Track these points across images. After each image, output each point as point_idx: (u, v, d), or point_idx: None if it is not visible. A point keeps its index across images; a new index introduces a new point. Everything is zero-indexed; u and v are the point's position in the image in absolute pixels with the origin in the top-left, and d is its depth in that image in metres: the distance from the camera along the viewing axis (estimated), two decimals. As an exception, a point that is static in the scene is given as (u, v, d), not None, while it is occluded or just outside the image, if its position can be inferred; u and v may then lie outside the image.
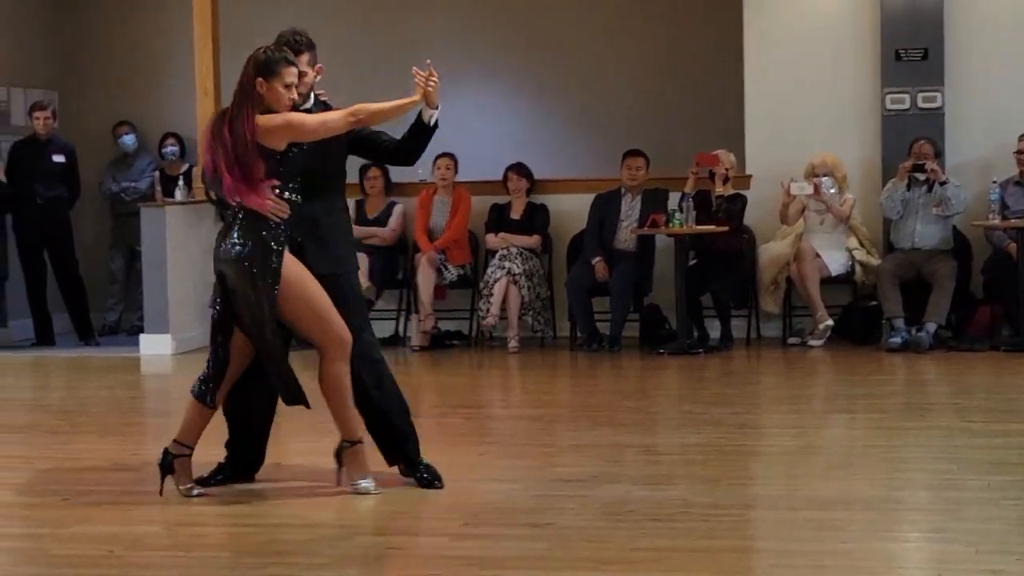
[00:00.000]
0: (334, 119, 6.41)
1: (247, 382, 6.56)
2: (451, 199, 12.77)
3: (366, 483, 6.51)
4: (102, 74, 14.93)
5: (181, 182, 13.04)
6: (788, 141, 12.36)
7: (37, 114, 13.42)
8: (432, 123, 6.60)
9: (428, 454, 7.09)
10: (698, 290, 12.05)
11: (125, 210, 13.98)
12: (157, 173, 13.56)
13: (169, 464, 6.49)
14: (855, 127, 12.44)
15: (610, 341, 11.97)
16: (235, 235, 6.38)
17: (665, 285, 12.11)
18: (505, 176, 12.82)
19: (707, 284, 12.07)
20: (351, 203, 12.78)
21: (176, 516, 6.20)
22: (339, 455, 6.58)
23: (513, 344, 12.20)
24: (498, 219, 12.77)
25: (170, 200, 12.63)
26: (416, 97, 6.48)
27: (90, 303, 13.57)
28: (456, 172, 12.84)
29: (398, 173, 12.68)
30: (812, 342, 11.96)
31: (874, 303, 11.94)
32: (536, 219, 12.72)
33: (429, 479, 6.70)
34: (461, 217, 12.71)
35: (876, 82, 12.35)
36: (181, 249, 12.36)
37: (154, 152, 14.52)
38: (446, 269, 12.62)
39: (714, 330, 12.17)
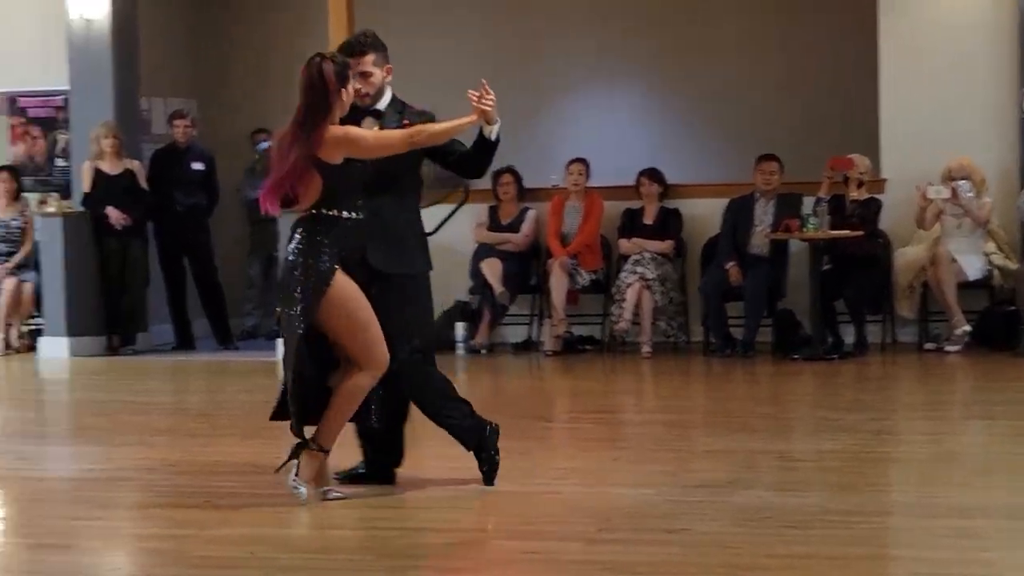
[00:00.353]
0: (393, 139, 6.51)
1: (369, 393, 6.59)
2: (583, 204, 12.78)
3: (305, 489, 6.46)
4: (240, 82, 15.14)
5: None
6: (924, 145, 12.23)
7: (177, 122, 13.66)
8: (493, 138, 6.72)
9: (560, 459, 7.11)
10: (833, 295, 11.96)
11: (263, 217, 14.12)
12: (294, 180, 13.70)
13: (297, 453, 6.53)
14: (993, 130, 12.29)
15: (743, 346, 11.93)
16: (293, 245, 6.46)
17: (799, 290, 12.04)
18: (638, 181, 12.81)
19: (842, 289, 11.97)
20: (485, 208, 12.87)
21: (315, 519, 6.28)
22: (297, 451, 6.52)
23: (646, 349, 12.20)
24: (631, 224, 12.76)
25: (306, 206, 12.75)
26: (473, 117, 6.61)
27: (229, 308, 13.78)
28: (588, 177, 12.86)
29: (531, 179, 12.73)
30: (949, 348, 11.82)
31: (1013, 308, 11.78)
32: (669, 224, 12.70)
33: (486, 471, 6.76)
34: (593, 222, 12.73)
35: (1014, 84, 12.20)
36: (317, 255, 12.45)
37: (291, 159, 14.67)
38: (578, 274, 12.64)
39: (849, 335, 12.08)
